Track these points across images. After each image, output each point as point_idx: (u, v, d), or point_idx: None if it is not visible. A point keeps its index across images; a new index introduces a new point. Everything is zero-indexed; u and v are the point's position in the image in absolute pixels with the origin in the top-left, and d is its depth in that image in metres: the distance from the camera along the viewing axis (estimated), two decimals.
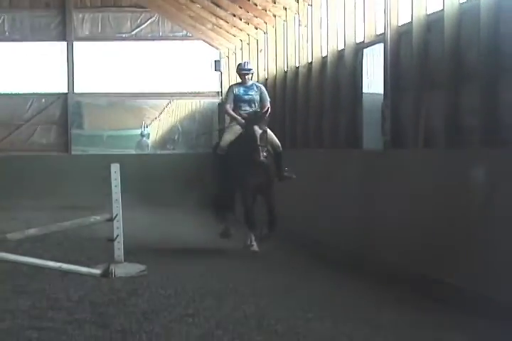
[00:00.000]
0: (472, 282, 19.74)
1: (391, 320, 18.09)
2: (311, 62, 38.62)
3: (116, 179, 25.78)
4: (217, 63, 54.26)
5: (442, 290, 20.68)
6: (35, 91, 54.85)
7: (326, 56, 35.95)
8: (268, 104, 25.09)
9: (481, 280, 19.33)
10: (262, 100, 24.44)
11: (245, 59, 49.44)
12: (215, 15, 48.37)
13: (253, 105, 24.32)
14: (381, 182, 25.35)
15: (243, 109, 24.18)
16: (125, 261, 25.04)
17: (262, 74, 49.13)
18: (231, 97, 25.93)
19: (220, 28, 50.19)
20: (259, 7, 43.13)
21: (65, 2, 53.86)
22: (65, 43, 54.76)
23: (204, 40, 53.68)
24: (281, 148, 25.38)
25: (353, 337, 16.62)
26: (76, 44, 54.84)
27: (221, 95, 55.58)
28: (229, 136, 24.52)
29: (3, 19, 54.42)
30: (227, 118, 27.73)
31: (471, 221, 20.55)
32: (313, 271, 23.86)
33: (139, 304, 20.28)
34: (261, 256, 24.69)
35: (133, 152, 52.29)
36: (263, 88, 26.31)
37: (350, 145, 32.49)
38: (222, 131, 53.47)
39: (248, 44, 48.45)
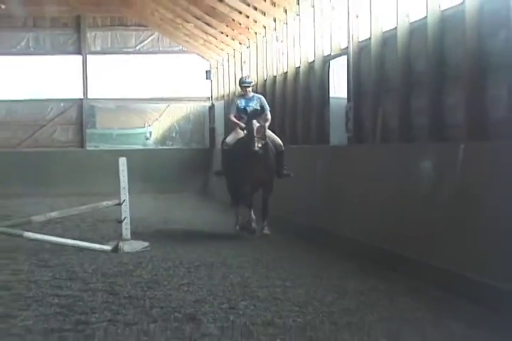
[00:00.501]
0: (419, 252, 19.96)
1: (355, 287, 18.16)
2: (286, 72, 38.27)
3: (123, 170, 25.87)
4: (208, 73, 54.29)
5: (393, 260, 20.79)
6: (55, 97, 54.85)
7: (299, 66, 35.84)
8: (268, 114, 24.72)
9: (426, 250, 19.55)
10: (263, 109, 24.16)
11: (233, 70, 49.83)
12: (206, 32, 48.32)
13: (259, 119, 23.83)
14: (345, 171, 25.51)
15: (244, 117, 23.85)
16: (131, 239, 25.14)
17: None
18: (234, 108, 25.47)
19: (210, 43, 50.12)
20: (242, 26, 43.08)
21: (80, 22, 53.79)
22: (80, 57, 54.73)
23: (197, 54, 53.62)
24: (283, 148, 24.76)
25: (322, 301, 16.66)
26: (89, 57, 54.83)
27: (211, 100, 56.25)
28: (235, 135, 24.10)
29: (29, 37, 54.41)
30: (231, 125, 26.40)
31: (419, 202, 20.68)
32: (292, 249, 23.87)
33: (143, 275, 20.39)
34: (248, 237, 24.63)
35: (138, 147, 52.34)
36: (263, 99, 25.71)
37: (319, 141, 32.61)
38: (213, 130, 54.63)
39: (234, 57, 48.43)
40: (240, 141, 23.64)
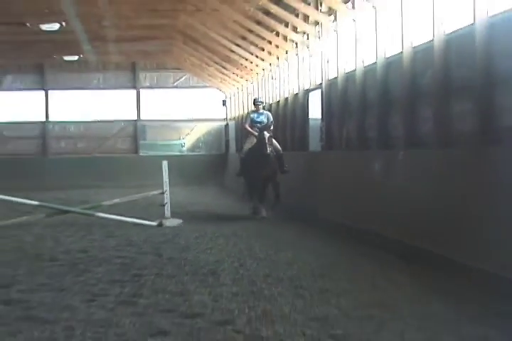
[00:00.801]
0: (392, 231, 18.93)
1: (332, 251, 18.18)
2: (279, 101, 38.08)
3: (165, 169, 25.93)
4: (223, 101, 54.27)
5: (375, 239, 19.17)
6: (117, 119, 54.71)
7: (287, 97, 35.84)
8: (271, 124, 25.79)
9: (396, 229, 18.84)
10: (268, 123, 25.15)
11: (241, 99, 49.78)
12: (222, 73, 48.28)
13: (269, 130, 24.63)
14: (319, 170, 25.99)
15: (254, 129, 24.88)
16: (171, 217, 25.21)
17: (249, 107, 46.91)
18: (249, 120, 26.28)
19: (225, 81, 50.07)
20: (248, 68, 43.07)
21: (135, 66, 53.81)
22: (135, 90, 54.65)
23: (216, 88, 53.53)
24: (281, 152, 25.82)
25: (306, 261, 16.65)
26: (141, 91, 54.70)
27: (226, 120, 55.83)
28: (248, 145, 25.00)
29: (100, 77, 54.43)
30: (245, 133, 27.29)
31: (372, 193, 20.72)
32: (287, 225, 23.88)
33: (179, 242, 20.45)
34: (255, 218, 24.81)
35: (175, 153, 52.40)
36: (269, 114, 26.81)
37: (301, 148, 32.78)
38: (227, 141, 55.00)
39: (242, 90, 48.27)
40: (251, 149, 24.43)
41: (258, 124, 25.16)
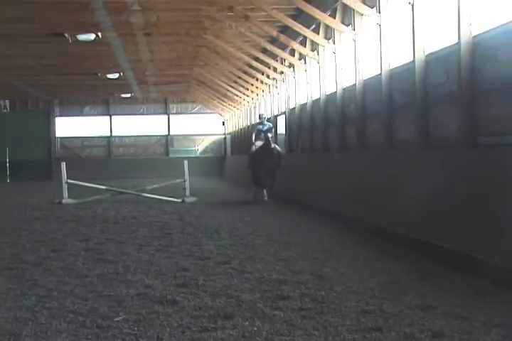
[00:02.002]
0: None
1: (292, 217, 18.08)
2: (253, 124, 37.61)
3: (185, 166, 25.86)
4: (223, 122, 54.13)
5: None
6: (155, 134, 54.39)
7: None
8: (272, 132, 24.88)
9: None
10: (270, 131, 23.76)
11: (235, 122, 49.61)
12: (222, 105, 48.18)
13: (271, 133, 23.83)
14: (285, 169, 23.31)
15: (260, 135, 23.44)
16: (189, 196, 25.15)
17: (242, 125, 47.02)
18: (255, 129, 24.65)
19: (224, 109, 49.92)
20: (238, 101, 42.93)
21: (166, 100, 53.57)
22: (166, 116, 54.42)
23: (218, 113, 53.32)
24: (281, 152, 24.38)
25: (276, 223, 16.60)
26: (171, 116, 54.47)
27: (225, 135, 55.13)
28: (254, 147, 23.57)
29: (143, 107, 54.16)
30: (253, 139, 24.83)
31: (315, 179, 20.52)
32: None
33: (195, 212, 20.28)
34: (260, 204, 22.74)
35: (192, 155, 52.04)
36: (271, 124, 25.40)
37: None
38: (225, 149, 55.05)
39: (234, 115, 48.22)
40: (258, 148, 23.18)
41: (262, 133, 23.38)
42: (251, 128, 29.30)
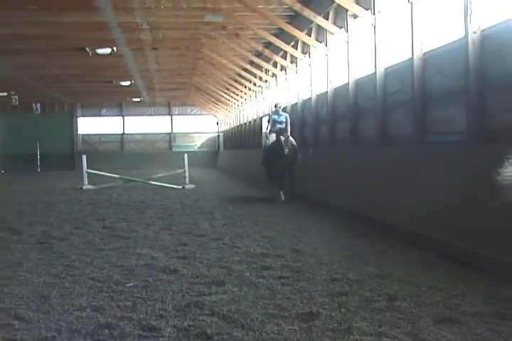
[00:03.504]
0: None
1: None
2: (246, 122, 37.29)
3: (186, 159, 25.79)
4: (217, 122, 53.88)
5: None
6: (160, 132, 54.10)
7: (251, 120, 35.33)
8: (289, 124, 19.06)
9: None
10: (286, 122, 18.98)
11: (226, 122, 49.64)
12: (216, 108, 48.11)
13: (282, 124, 18.76)
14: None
15: (277, 126, 18.78)
16: (189, 183, 25.09)
17: (235, 123, 47.33)
18: (271, 120, 19.66)
19: (218, 111, 49.84)
20: (229, 104, 42.89)
21: (170, 103, 53.36)
22: (169, 116, 54.15)
23: (213, 115, 53.16)
24: (296, 146, 18.58)
25: (260, 208, 16.58)
26: (174, 117, 54.24)
27: (218, 133, 54.71)
28: (269, 141, 18.83)
29: (151, 110, 54.01)
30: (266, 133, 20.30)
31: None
32: (252, 187, 23.62)
33: (193, 197, 20.21)
34: (275, 201, 18.06)
35: (191, 150, 51.65)
36: (287, 115, 19.74)
37: (259, 147, 31.96)
38: (218, 144, 54.28)
39: (226, 117, 48.18)
40: (272, 145, 18.41)
41: (278, 124, 19.13)
42: (268, 119, 22.90)
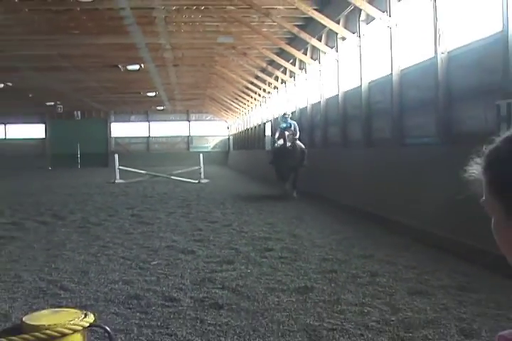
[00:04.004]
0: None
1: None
2: (252, 127, 37.19)
3: (201, 158, 25.82)
4: (228, 127, 53.48)
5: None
6: (179, 134, 53.78)
7: (255, 126, 35.31)
8: (297, 132, 16.96)
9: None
10: (294, 129, 16.92)
11: (236, 127, 49.33)
12: (226, 115, 48.03)
13: (289, 131, 16.40)
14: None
15: (284, 134, 16.30)
16: (204, 178, 25.08)
17: (243, 128, 47.15)
18: (278, 128, 17.85)
19: (228, 117, 49.71)
20: (238, 112, 42.84)
21: (188, 111, 53.01)
22: (188, 122, 53.82)
23: (224, 121, 52.91)
24: (305, 149, 16.75)
25: (266, 201, 16.57)
26: (191, 122, 53.68)
27: (228, 136, 54.02)
28: (277, 144, 16.84)
29: (172, 116, 53.77)
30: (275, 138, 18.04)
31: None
32: (257, 181, 23.54)
33: (207, 189, 20.19)
34: (287, 198, 16.04)
35: (206, 150, 51.16)
36: (295, 123, 17.69)
37: (262, 148, 31.70)
38: (229, 145, 54.31)
39: (235, 123, 48.09)
40: (280, 146, 16.43)
41: (286, 131, 16.89)
42: (276, 127, 20.43)
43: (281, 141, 16.58)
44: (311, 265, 7.10)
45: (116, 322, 4.91)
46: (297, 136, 16.73)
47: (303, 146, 16.65)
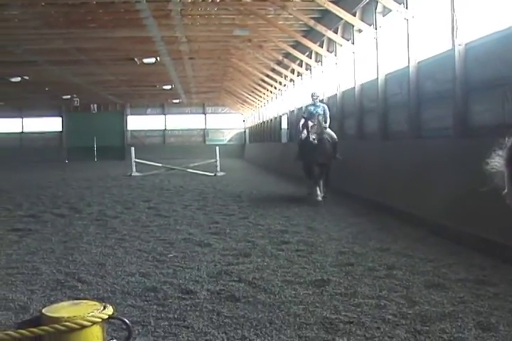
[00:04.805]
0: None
1: (294, 185, 17.99)
2: (268, 120, 37.34)
3: (217, 151, 25.85)
4: (244, 120, 53.27)
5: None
6: (195, 127, 53.71)
7: (272, 118, 35.21)
8: (328, 116, 13.87)
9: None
10: (324, 113, 13.72)
11: (251, 120, 49.56)
12: (242, 107, 48.00)
13: (319, 117, 13.24)
14: (285, 151, 23.18)
15: (312, 119, 13.30)
16: (220, 171, 25.10)
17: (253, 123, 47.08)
18: (307, 112, 14.10)
19: (244, 110, 49.66)
20: (254, 105, 42.82)
21: (204, 104, 53.26)
22: (203, 115, 53.70)
23: (240, 113, 52.77)
24: (336, 139, 13.64)
25: (281, 193, 16.52)
26: (207, 115, 53.63)
27: (244, 129, 53.88)
28: (303, 135, 13.29)
29: (188, 109, 53.84)
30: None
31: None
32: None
33: (224, 182, 20.18)
34: (312, 201, 12.92)
35: (221, 143, 51.11)
36: (326, 107, 14.36)
37: (278, 141, 31.71)
38: (245, 138, 53.98)
39: (252, 115, 48.05)
40: (305, 138, 13.13)
41: (310, 121, 13.64)
42: (303, 111, 16.28)
43: (305, 133, 13.55)
44: (328, 258, 7.09)
45: (133, 314, 4.93)
46: (327, 124, 13.65)
47: (334, 136, 13.79)
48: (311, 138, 12.77)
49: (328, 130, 13.56)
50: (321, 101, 13.91)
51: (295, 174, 19.04)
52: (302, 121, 14.19)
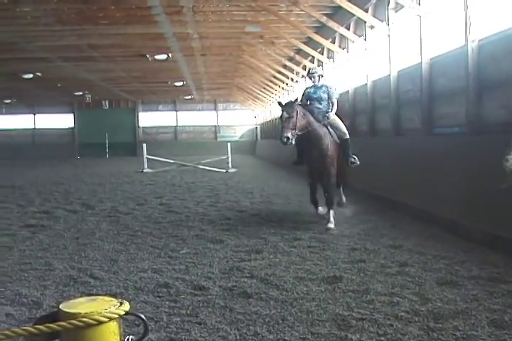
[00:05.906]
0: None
1: (301, 181, 18.00)
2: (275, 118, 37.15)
3: (229, 147, 25.84)
4: (255, 116, 53.21)
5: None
6: (207, 124, 53.82)
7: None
8: (334, 101, 9.73)
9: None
10: (329, 97, 9.69)
11: (263, 116, 49.37)
12: (254, 103, 47.95)
13: (321, 102, 9.71)
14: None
15: (315, 105, 9.62)
16: (231, 167, 25.09)
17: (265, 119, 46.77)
18: (304, 98, 9.76)
19: (256, 106, 49.61)
20: (265, 101, 42.76)
21: (215, 100, 53.16)
22: (215, 111, 53.82)
23: (251, 110, 52.73)
24: (347, 136, 9.89)
25: (291, 188, 16.47)
26: (219, 112, 53.63)
27: (256, 125, 53.76)
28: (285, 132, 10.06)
29: (200, 106, 53.84)
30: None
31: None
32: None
33: (235, 178, 20.18)
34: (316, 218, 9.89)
35: (233, 139, 51.05)
36: (330, 88, 9.80)
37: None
38: (256, 134, 54.15)
39: (263, 111, 48.01)
40: (302, 135, 9.28)
41: (315, 102, 9.74)
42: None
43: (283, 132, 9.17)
44: (340, 254, 7.09)
45: (146, 310, 4.96)
46: (332, 112, 9.88)
47: (344, 130, 10.01)
48: (282, 138, 9.06)
49: (336, 120, 9.93)
50: (321, 76, 10.08)
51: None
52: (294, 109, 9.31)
